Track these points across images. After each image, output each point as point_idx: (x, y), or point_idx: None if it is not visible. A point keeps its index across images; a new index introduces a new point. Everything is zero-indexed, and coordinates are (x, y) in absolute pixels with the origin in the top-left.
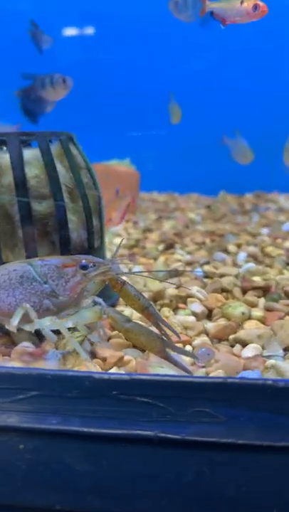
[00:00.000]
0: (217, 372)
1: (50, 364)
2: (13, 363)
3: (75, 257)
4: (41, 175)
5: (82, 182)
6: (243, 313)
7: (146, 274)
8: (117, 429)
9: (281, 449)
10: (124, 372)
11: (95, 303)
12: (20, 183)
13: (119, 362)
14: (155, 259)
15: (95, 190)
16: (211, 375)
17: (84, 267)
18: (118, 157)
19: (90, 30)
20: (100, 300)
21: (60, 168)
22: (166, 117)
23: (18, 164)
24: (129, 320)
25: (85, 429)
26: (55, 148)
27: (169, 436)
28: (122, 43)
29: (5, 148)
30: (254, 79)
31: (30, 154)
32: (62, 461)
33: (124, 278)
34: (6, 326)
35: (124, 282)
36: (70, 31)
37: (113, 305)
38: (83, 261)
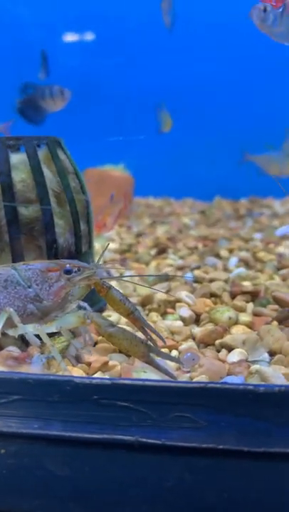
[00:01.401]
0: (200, 377)
1: (34, 368)
2: None
3: (59, 261)
4: (28, 179)
5: (70, 186)
6: (230, 318)
7: (134, 279)
8: (97, 434)
9: (261, 454)
10: (108, 377)
11: (80, 307)
12: (7, 188)
13: (104, 367)
14: (147, 263)
15: (83, 194)
16: (194, 379)
17: (68, 272)
18: (112, 162)
19: (88, 36)
20: (85, 305)
21: (48, 173)
22: (156, 125)
23: (4, 169)
24: (112, 325)
25: (66, 434)
26: (42, 152)
27: (150, 441)
28: (119, 50)
29: None
30: (248, 85)
31: (18, 159)
32: (43, 467)
33: (111, 283)
34: None
35: (109, 287)
36: (70, 37)
37: (101, 310)
38: (67, 265)
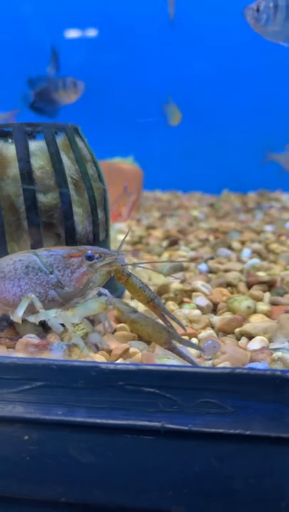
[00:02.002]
0: (224, 364)
1: (55, 355)
2: (17, 355)
3: (81, 247)
4: (47, 166)
5: (88, 174)
6: (248, 307)
7: (151, 268)
8: (123, 420)
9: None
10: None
11: (101, 294)
12: (26, 174)
13: (125, 354)
14: (159, 255)
15: (100, 182)
16: (218, 366)
17: (90, 258)
18: (121, 155)
19: (92, 32)
20: (106, 291)
21: (66, 160)
22: (163, 119)
23: (23, 155)
24: (135, 311)
25: (91, 420)
26: (60, 139)
27: (176, 427)
28: (125, 44)
29: (10, 140)
30: (256, 78)
31: (36, 146)
32: (67, 453)
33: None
34: (11, 317)
35: (129, 274)
36: (73, 33)
37: (119, 298)
38: (89, 251)
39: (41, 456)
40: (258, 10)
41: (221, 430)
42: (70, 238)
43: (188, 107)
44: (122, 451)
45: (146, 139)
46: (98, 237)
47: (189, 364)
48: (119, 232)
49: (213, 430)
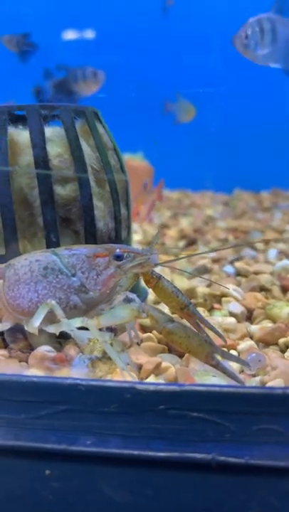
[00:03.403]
0: (275, 382)
1: (77, 372)
2: (32, 371)
3: (107, 245)
4: (65, 154)
5: (110, 164)
6: None
7: (177, 267)
8: (165, 452)
9: None
10: (163, 381)
11: (129, 300)
12: (42, 162)
13: (157, 369)
14: (176, 256)
15: (123, 174)
16: (268, 384)
17: (118, 258)
18: (130, 151)
19: (90, 34)
20: (134, 296)
21: (86, 148)
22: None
23: (38, 140)
24: (171, 320)
25: (126, 452)
26: (79, 125)
27: (230, 460)
28: (126, 42)
29: (21, 126)
30: (267, 74)
31: (52, 131)
32: (97, 490)
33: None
34: (26, 327)
35: (159, 277)
36: (70, 34)
37: None
38: (117, 250)
39: (66, 494)
40: (246, 37)
41: (283, 463)
42: (90, 235)
43: (197, 104)
44: (164, 489)
45: (156, 137)
46: (120, 235)
47: (236, 383)
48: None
49: (275, 463)
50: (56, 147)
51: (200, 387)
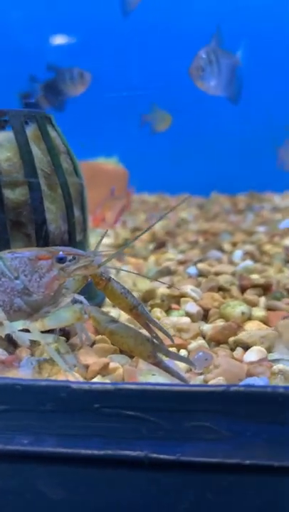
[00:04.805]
0: (217, 380)
1: (23, 373)
2: None
3: (51, 248)
4: (14, 158)
5: (62, 167)
6: (243, 313)
7: (136, 271)
8: (99, 450)
9: None
10: (109, 381)
11: (76, 302)
12: None
13: (104, 370)
14: (145, 258)
15: (77, 177)
16: (210, 382)
17: (61, 260)
18: (105, 154)
19: (76, 38)
20: (82, 298)
21: (37, 151)
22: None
23: None
24: (114, 320)
25: (62, 450)
26: (30, 129)
27: (162, 456)
28: (109, 47)
29: None
30: (245, 79)
31: (3, 136)
32: (34, 489)
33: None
34: None
35: (109, 279)
36: (59, 39)
37: (98, 306)
38: (61, 253)
39: (3, 493)
40: (201, 69)
41: (215, 459)
42: (42, 239)
43: (175, 108)
44: (98, 486)
45: (133, 141)
46: (74, 237)
47: (178, 381)
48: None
49: (207, 460)
50: (6, 151)
51: (133, 385)
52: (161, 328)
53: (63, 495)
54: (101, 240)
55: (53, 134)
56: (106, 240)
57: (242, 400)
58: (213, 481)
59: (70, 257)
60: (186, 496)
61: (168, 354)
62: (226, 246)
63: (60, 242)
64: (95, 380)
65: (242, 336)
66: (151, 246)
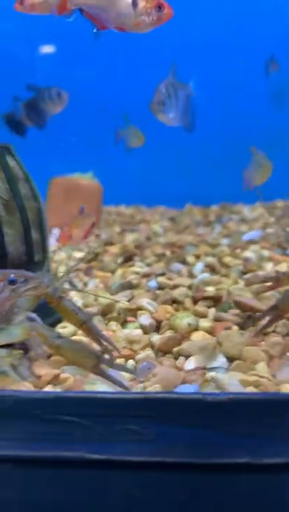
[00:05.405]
0: (154, 387)
1: None
2: None
3: (3, 271)
4: None
5: (20, 193)
6: (189, 325)
7: (95, 289)
8: (39, 451)
9: (212, 466)
10: (58, 390)
11: (30, 319)
12: None
13: (55, 380)
14: (113, 272)
15: (35, 201)
16: (148, 389)
17: (12, 282)
18: (81, 170)
19: (53, 49)
20: (34, 316)
21: None
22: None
23: None
24: (60, 336)
25: (3, 453)
26: None
27: (95, 456)
28: (88, 61)
29: None
30: (217, 90)
31: None
32: None
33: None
34: None
35: (60, 297)
36: (46, 49)
37: (58, 321)
38: (12, 275)
39: None
40: (162, 103)
41: (141, 458)
42: (0, 260)
43: (151, 122)
44: (39, 486)
45: (109, 154)
46: (33, 258)
47: (120, 389)
48: (76, 249)
49: (134, 458)
50: None
51: (71, 393)
52: (108, 341)
53: (6, 493)
54: (48, 262)
55: (11, 163)
56: (78, 254)
57: (164, 406)
58: (140, 478)
59: (21, 279)
60: (117, 492)
61: (111, 365)
62: (190, 258)
63: (19, 262)
64: (46, 389)
65: (184, 346)
66: (120, 260)
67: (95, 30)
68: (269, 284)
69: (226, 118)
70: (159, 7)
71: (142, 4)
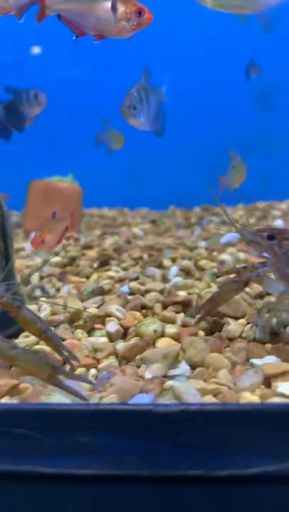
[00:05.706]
0: (110, 397)
1: None
2: None
3: None
4: None
5: None
6: (155, 331)
7: (65, 297)
8: None
9: (161, 478)
10: (16, 401)
11: None
12: None
13: (13, 390)
14: (88, 277)
15: None
16: (104, 400)
17: None
18: (60, 173)
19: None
20: None
21: None
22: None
23: None
24: (15, 347)
25: None
26: None
27: (44, 470)
28: (73, 63)
29: None
30: (201, 93)
31: None
32: None
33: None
34: None
35: (19, 307)
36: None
37: (21, 331)
38: None
39: None
40: (133, 107)
41: (91, 471)
42: None
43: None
44: None
45: (91, 156)
46: None
47: (78, 400)
48: (52, 254)
49: (83, 472)
50: None
51: (21, 406)
52: (68, 351)
53: None
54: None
55: None
56: (54, 259)
57: (113, 418)
58: (89, 492)
59: None
60: (67, 506)
61: (68, 375)
62: (166, 262)
63: None
64: (3, 400)
65: (146, 353)
66: (96, 264)
67: (74, 38)
68: (232, 276)
69: (210, 121)
70: (140, 12)
71: (121, 9)
